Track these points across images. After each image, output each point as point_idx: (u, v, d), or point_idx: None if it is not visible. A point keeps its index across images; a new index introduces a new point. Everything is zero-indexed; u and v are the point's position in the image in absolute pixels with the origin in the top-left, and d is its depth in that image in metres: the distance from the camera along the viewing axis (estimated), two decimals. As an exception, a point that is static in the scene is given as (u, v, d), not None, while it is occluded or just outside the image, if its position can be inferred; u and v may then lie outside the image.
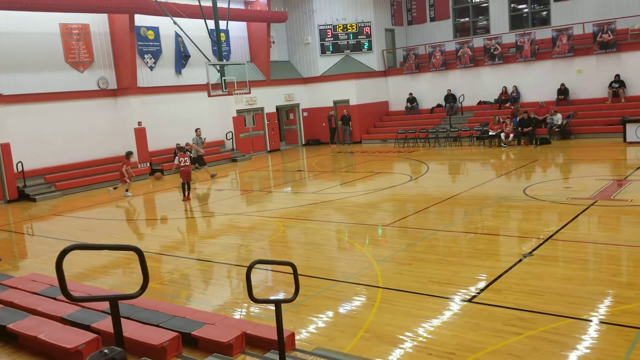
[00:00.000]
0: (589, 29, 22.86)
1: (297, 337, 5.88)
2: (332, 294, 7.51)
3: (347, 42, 28.16)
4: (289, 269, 5.09)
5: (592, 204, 11.13)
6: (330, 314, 6.84)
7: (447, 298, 6.97)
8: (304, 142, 29.11)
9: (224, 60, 23.00)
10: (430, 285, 7.49)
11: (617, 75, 22.21)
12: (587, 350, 5.38)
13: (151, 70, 22.58)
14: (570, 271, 7.64)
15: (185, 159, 15.72)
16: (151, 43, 22.58)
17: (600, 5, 23.90)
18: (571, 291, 6.87)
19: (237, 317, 6.98)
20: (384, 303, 6.98)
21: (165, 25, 21.89)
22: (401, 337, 5.98)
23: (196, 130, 21.75)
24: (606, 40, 22.31)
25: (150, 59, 22.54)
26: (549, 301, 6.60)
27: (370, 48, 28.23)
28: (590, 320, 6.01)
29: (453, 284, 7.42)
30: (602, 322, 5.98)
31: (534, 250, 8.57)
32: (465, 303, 6.77)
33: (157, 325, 5.11)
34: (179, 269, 9.26)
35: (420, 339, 5.91)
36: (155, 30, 22.67)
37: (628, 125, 19.31)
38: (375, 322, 6.41)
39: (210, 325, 5.21)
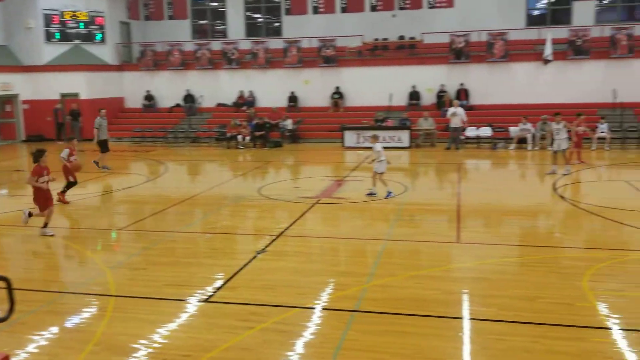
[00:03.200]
0: (316, 44, 25.21)
1: (12, 360, 5.19)
2: (57, 307, 6.83)
3: (77, 31, 26.00)
4: (3, 284, 4.44)
5: (316, 202, 12.27)
6: (54, 329, 6.20)
7: (184, 300, 6.93)
8: (24, 138, 25.92)
9: None
10: (166, 288, 7.35)
11: (337, 87, 24.97)
12: (312, 336, 5.91)
13: None
14: (298, 264, 8.30)
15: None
16: None
17: (325, 22, 26.58)
18: (299, 282, 7.46)
19: None
20: (117, 312, 6.62)
21: None
22: (135, 345, 5.74)
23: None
24: (329, 55, 24.89)
25: None
26: (280, 294, 7.07)
27: (103, 40, 26.55)
28: (314, 308, 6.61)
29: (190, 286, 7.41)
30: (324, 308, 6.62)
31: (267, 246, 9.07)
32: (202, 303, 6.83)
33: None
34: None
35: (155, 345, 5.76)
36: None
37: (346, 132, 21.86)
38: (106, 334, 6.03)
39: None
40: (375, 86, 24.33)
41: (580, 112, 16.83)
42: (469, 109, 22.65)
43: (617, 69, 22.51)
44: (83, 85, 25.64)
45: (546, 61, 22.20)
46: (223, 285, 7.42)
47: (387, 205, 11.98)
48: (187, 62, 26.68)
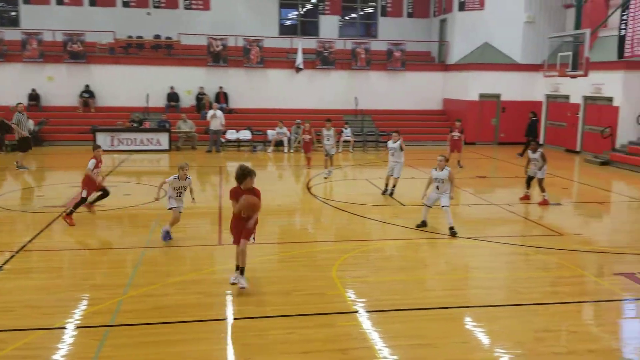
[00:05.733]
0: (60, 37, 23.01)
1: None
2: None
3: None
4: None
5: (65, 211, 11.19)
6: None
7: None
8: None
9: None
10: None
11: (87, 86, 23.18)
12: (61, 359, 5.36)
13: None
14: (44, 281, 7.47)
15: None
16: None
17: (70, 15, 24.39)
18: (45, 302, 6.71)
19: None
20: None
21: None
22: None
23: None
24: (76, 50, 22.96)
25: None
26: (21, 316, 6.27)
27: None
28: (64, 328, 6.01)
29: None
30: (76, 326, 6.07)
31: (4, 264, 7.98)
32: None
33: None
34: None
35: None
36: None
37: (98, 134, 20.38)
38: None
39: None
40: (131, 86, 23.19)
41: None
42: (228, 112, 23.09)
43: (358, 79, 25.19)
44: None
45: (298, 69, 23.77)
46: (-54, 314, 6.29)
47: (147, 211, 11.52)
48: None
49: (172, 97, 23.66)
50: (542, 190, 12.61)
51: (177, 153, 20.54)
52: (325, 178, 15.44)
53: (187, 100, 24.12)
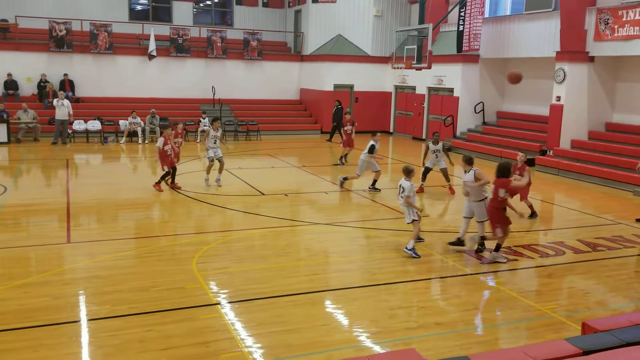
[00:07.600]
0: None
1: None
2: None
3: None
4: None
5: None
6: None
7: None
8: None
9: None
10: None
11: None
12: None
13: None
14: None
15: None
16: None
17: None
18: None
19: None
20: None
21: None
22: None
23: None
24: None
25: None
26: None
27: None
28: None
29: None
30: None
31: None
32: None
33: None
34: None
35: None
36: None
37: None
38: None
39: None
40: (-42, 72, 20.69)
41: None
42: (75, 101, 21.49)
43: (215, 68, 24.72)
44: None
45: (151, 56, 22.78)
46: None
47: (-20, 210, 10.40)
48: None
49: (10, 84, 21.47)
50: (448, 180, 13.11)
51: (17, 145, 18.76)
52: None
53: (28, 88, 22.05)
